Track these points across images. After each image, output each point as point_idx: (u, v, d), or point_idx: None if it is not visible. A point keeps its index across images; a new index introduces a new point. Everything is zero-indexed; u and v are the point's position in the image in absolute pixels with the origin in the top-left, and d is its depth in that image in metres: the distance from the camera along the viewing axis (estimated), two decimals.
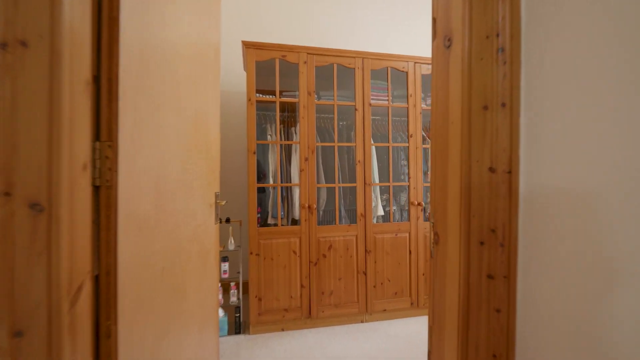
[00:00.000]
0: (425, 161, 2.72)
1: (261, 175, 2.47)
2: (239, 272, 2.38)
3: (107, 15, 0.71)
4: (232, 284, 2.38)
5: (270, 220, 2.41)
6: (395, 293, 2.56)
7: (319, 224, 2.48)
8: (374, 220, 2.59)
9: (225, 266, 2.33)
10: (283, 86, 2.79)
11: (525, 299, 0.81)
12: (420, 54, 3.25)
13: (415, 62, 2.59)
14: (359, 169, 2.47)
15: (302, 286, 2.36)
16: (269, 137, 2.45)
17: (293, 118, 2.73)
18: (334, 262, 2.43)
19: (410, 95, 2.58)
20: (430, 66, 2.62)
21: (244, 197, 3.06)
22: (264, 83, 2.72)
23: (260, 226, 2.42)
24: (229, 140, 3.06)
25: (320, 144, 2.42)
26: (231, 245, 2.35)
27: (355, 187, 2.49)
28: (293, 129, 2.57)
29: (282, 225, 2.43)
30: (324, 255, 2.41)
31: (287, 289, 2.34)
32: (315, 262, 2.39)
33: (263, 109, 2.65)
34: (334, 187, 2.48)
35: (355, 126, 2.48)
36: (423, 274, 2.60)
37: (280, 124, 2.58)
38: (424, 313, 2.63)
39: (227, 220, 2.37)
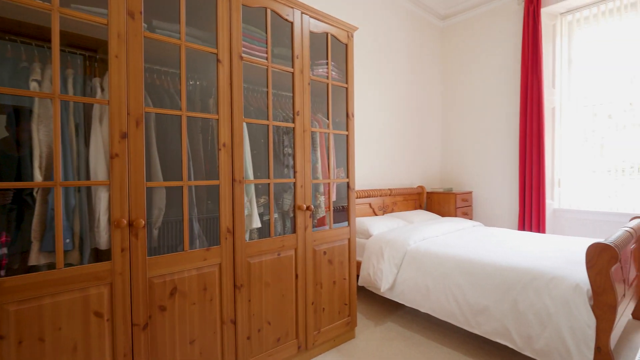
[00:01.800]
0: (314, 150, 2.03)
1: (13, 166, 1.19)
2: None
3: None
4: None
5: (37, 258, 1.18)
6: (278, 339, 1.76)
7: (151, 255, 1.41)
8: (248, 237, 1.72)
9: None
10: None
11: None
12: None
13: (302, 12, 1.85)
14: (224, 158, 1.54)
15: None
16: (33, 85, 1.20)
17: (98, 62, 1.52)
18: (181, 316, 1.42)
19: (297, 57, 1.83)
20: (323, 24, 1.94)
21: None
22: None
23: (11, 273, 1.15)
24: None
25: (153, 111, 1.35)
26: None
27: (217, 187, 1.55)
28: (98, 80, 1.38)
29: (68, 264, 1.23)
30: (162, 308, 1.37)
31: None
32: (144, 324, 1.32)
33: (23, 33, 1.34)
34: (181, 187, 1.46)
35: (218, 89, 1.53)
36: (312, 303, 1.91)
37: (66, 68, 1.34)
38: (315, 354, 1.95)
39: None
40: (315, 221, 2.03)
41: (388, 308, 2.63)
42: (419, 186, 3.93)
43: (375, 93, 3.52)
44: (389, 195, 3.52)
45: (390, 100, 3.69)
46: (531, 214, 3.40)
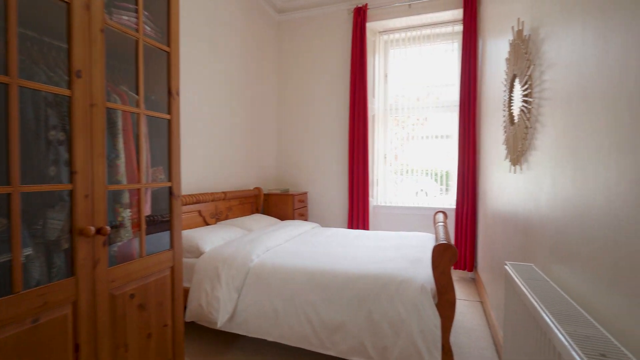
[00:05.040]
0: (113, 137, 1.30)
1: None
2: None
3: None
4: None
5: None
6: None
7: None
8: None
9: None
10: None
11: None
12: None
13: None
14: None
15: None
16: None
17: None
18: None
19: None
20: None
21: None
22: None
23: None
24: None
25: None
26: None
27: None
28: None
29: None
30: None
31: None
32: None
33: None
34: None
35: None
36: None
37: None
38: None
39: None
40: (116, 250, 1.32)
41: (224, 340, 2.13)
42: (255, 188, 3.58)
43: (205, 74, 2.93)
44: (223, 199, 3.00)
45: (223, 88, 3.17)
46: (358, 212, 3.65)
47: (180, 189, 1.54)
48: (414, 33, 3.67)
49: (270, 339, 1.82)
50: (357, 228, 3.66)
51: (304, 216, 3.82)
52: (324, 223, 3.97)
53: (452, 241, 3.47)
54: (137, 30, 1.35)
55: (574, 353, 0.61)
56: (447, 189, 3.71)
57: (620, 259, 0.71)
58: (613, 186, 0.75)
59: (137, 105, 1.36)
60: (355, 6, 3.60)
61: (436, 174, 3.75)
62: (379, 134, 3.86)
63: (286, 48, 4.09)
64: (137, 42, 1.35)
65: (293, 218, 3.54)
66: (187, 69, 2.67)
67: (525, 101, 1.42)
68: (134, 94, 1.39)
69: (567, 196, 1.02)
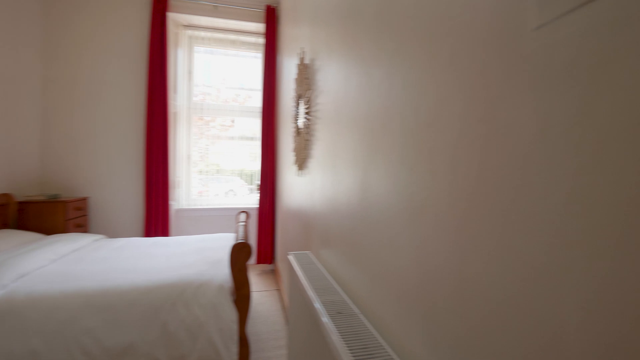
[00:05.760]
0: None
1: None
2: None
3: None
4: None
5: None
6: None
7: None
8: None
9: None
10: None
11: None
12: None
13: None
14: None
15: None
16: None
17: None
18: None
19: None
20: None
21: None
22: None
23: None
24: None
25: None
26: None
27: None
28: None
29: None
30: None
31: None
32: None
33: None
34: None
35: None
36: None
37: None
38: None
39: None
40: None
41: None
42: (2, 194, 2.64)
43: None
44: None
45: None
46: (157, 218, 3.33)
47: None
48: (221, 35, 3.69)
49: None
50: (156, 235, 3.33)
51: (83, 227, 3.12)
52: (113, 233, 3.38)
53: (255, 237, 3.72)
54: None
55: (322, 316, 0.81)
56: (255, 189, 3.94)
57: (352, 241, 0.98)
58: (351, 188, 1.03)
59: None
60: None
61: (244, 174, 3.93)
62: (182, 132, 3.65)
63: (58, 21, 3.22)
64: None
65: (67, 231, 2.83)
66: None
67: (306, 117, 1.71)
68: None
69: (329, 195, 1.31)
